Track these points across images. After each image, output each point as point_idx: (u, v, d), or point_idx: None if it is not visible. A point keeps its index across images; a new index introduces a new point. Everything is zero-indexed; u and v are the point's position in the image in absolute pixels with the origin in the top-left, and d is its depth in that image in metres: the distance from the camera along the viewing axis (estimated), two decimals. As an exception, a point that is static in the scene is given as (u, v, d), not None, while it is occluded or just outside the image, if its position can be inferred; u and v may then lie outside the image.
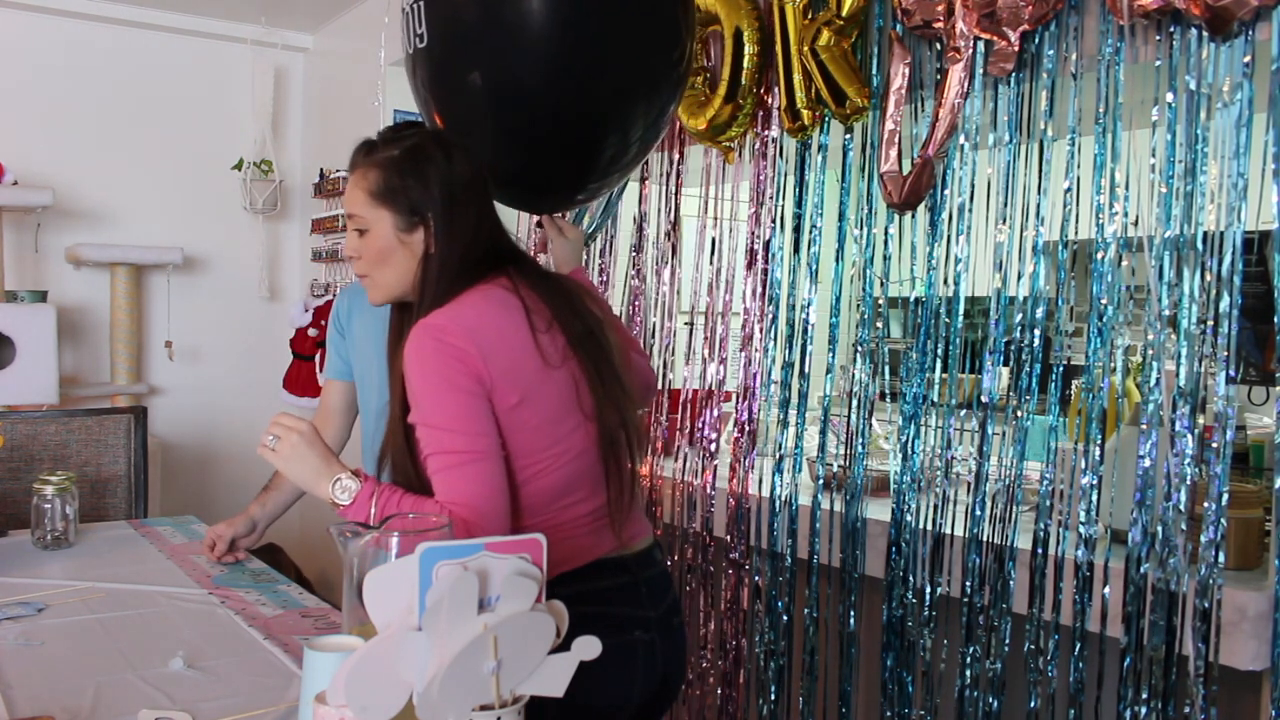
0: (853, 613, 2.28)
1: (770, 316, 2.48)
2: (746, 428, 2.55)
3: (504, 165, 1.84)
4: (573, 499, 1.48)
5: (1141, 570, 1.75)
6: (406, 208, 1.49)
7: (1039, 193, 1.95)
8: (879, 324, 2.29)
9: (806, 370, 2.43)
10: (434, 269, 1.49)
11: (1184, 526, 1.69)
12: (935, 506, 2.10)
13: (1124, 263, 1.82)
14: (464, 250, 1.49)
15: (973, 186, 2.05)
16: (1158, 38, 1.74)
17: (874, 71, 2.20)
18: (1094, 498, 1.85)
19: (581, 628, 1.47)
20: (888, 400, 2.29)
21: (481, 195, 1.53)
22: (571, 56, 1.78)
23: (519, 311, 1.46)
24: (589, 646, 0.96)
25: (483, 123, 1.86)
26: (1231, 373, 1.67)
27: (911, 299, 2.17)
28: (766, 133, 2.48)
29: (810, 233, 2.40)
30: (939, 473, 2.11)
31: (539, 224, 2.06)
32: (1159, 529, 1.73)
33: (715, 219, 2.70)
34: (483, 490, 1.37)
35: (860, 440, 2.27)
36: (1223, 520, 1.66)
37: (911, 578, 2.13)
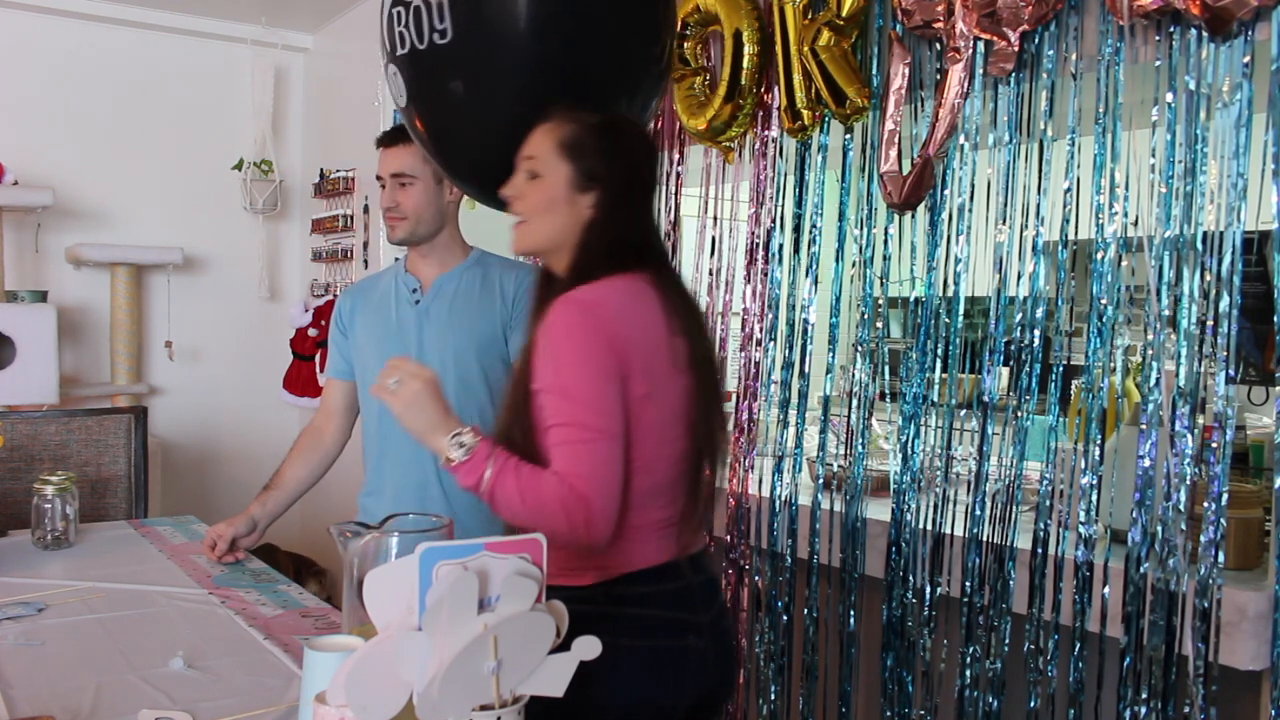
0: (853, 613, 2.28)
1: (770, 316, 2.48)
2: (746, 428, 2.55)
3: (486, 163, 1.83)
4: (656, 504, 1.47)
5: (1141, 570, 1.75)
6: (587, 169, 1.50)
7: (1039, 193, 1.95)
8: (879, 324, 2.29)
9: (806, 370, 2.43)
10: (595, 237, 1.49)
11: (1184, 526, 1.69)
12: (935, 506, 2.10)
13: (1124, 263, 1.82)
14: (625, 230, 1.51)
15: (973, 186, 2.05)
16: (1157, 38, 1.74)
17: (874, 71, 2.20)
18: (1094, 498, 1.85)
19: (637, 631, 1.43)
20: (888, 400, 2.29)
21: (649, 194, 1.56)
22: (553, 58, 1.78)
23: (660, 310, 1.47)
24: (589, 646, 0.96)
25: (463, 122, 1.85)
26: (1231, 373, 1.67)
27: (911, 299, 2.17)
28: (766, 133, 2.48)
29: (810, 233, 2.40)
30: (939, 473, 2.11)
31: None
32: (1159, 529, 1.73)
33: (715, 219, 2.71)
34: (608, 471, 1.36)
35: (860, 440, 2.27)
36: (1223, 520, 1.66)
37: (911, 578, 2.13)
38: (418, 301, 2.07)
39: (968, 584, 2.01)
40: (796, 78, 2.28)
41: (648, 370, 1.43)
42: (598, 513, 1.33)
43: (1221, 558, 1.65)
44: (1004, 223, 2.00)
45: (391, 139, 2.06)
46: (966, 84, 1.98)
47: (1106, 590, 1.80)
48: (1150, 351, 1.76)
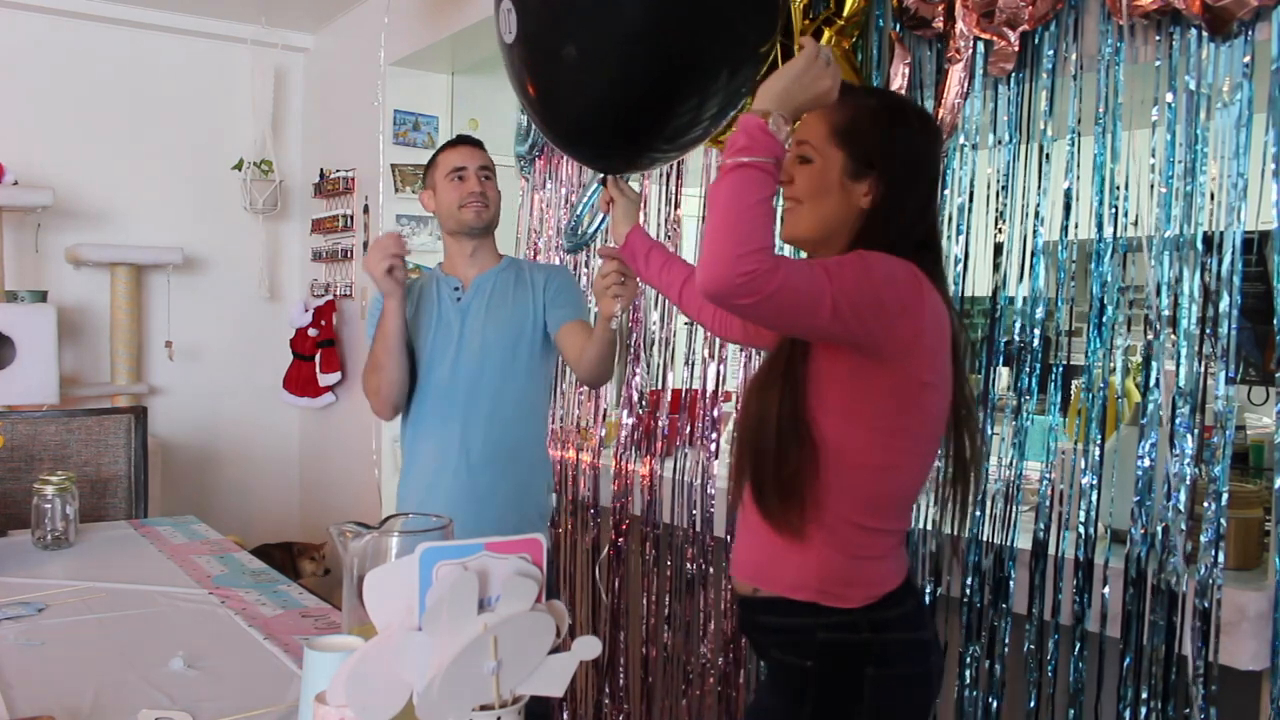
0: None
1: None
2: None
3: (583, 128, 1.90)
4: (905, 513, 1.47)
5: (1141, 570, 1.75)
6: (863, 156, 1.43)
7: (1039, 193, 1.95)
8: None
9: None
10: (873, 227, 1.42)
11: (1184, 526, 1.69)
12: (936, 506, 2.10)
13: (1124, 262, 1.82)
14: (907, 222, 1.44)
15: (972, 186, 2.05)
16: (1157, 38, 1.74)
17: (874, 71, 2.20)
18: (1094, 498, 1.85)
19: (902, 658, 1.43)
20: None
21: (932, 184, 1.49)
22: (662, 37, 1.77)
23: (949, 314, 1.43)
24: (589, 646, 0.96)
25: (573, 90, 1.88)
26: (1231, 373, 1.67)
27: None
28: (766, 133, 2.47)
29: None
30: (939, 473, 2.10)
31: (603, 181, 2.05)
32: (1159, 529, 1.73)
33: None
34: (801, 286, 1.27)
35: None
36: (1223, 520, 1.66)
37: (912, 578, 2.13)
38: (459, 299, 2.26)
39: (968, 584, 2.01)
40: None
41: (936, 361, 1.38)
42: (774, 279, 1.23)
43: (1221, 558, 1.65)
44: (1004, 223, 2.00)
45: (475, 139, 2.34)
46: (966, 84, 1.98)
47: (1106, 590, 1.80)
48: (1150, 351, 1.76)
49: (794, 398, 1.40)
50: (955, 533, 1.56)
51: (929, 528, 2.10)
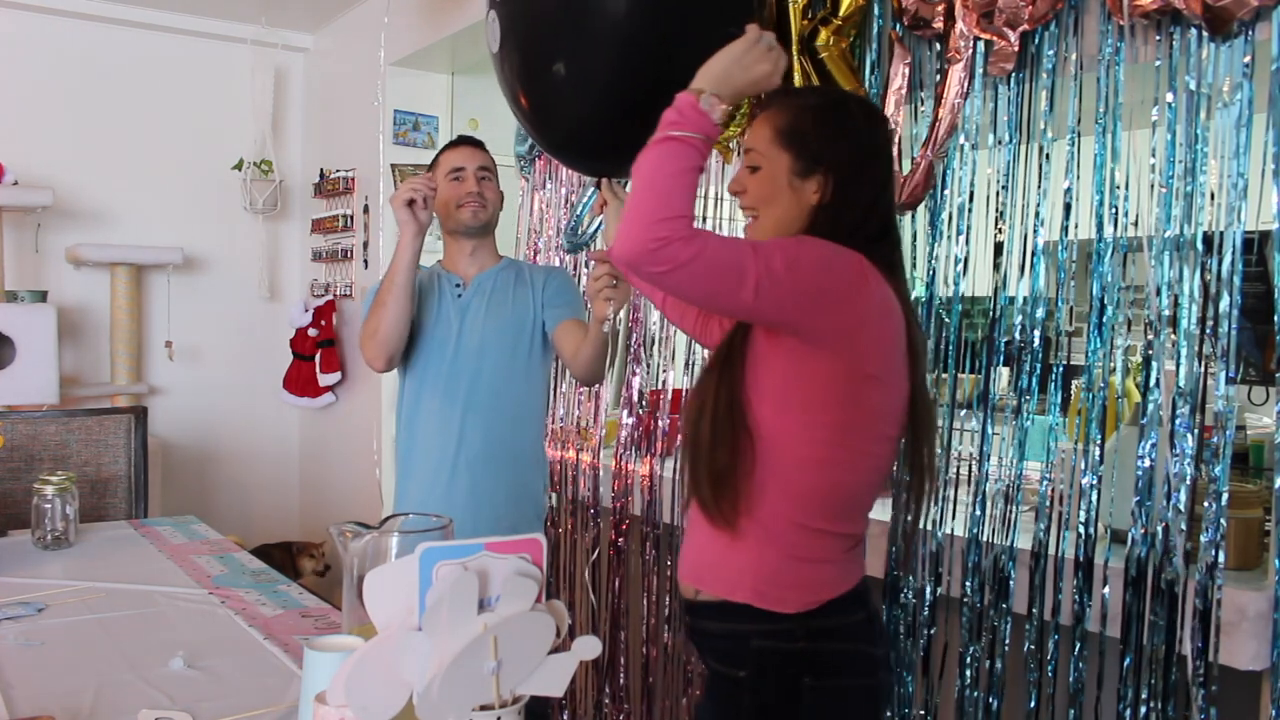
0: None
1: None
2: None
3: (574, 134, 1.94)
4: (852, 515, 1.43)
5: (1141, 570, 1.75)
6: (809, 155, 1.42)
7: (1039, 193, 1.95)
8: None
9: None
10: (824, 220, 1.41)
11: (1184, 526, 1.69)
12: (935, 506, 2.10)
13: (1124, 262, 1.82)
14: (858, 214, 1.42)
15: (973, 186, 2.05)
16: (1158, 38, 1.74)
17: (874, 71, 2.20)
18: (1094, 498, 1.85)
19: (839, 670, 1.37)
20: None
21: (885, 175, 1.48)
22: (646, 47, 1.81)
23: (901, 308, 1.41)
24: (589, 646, 0.96)
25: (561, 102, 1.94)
26: (1231, 373, 1.67)
27: (912, 299, 2.17)
28: (766, 133, 2.47)
29: (810, 233, 2.40)
30: (939, 472, 2.11)
31: (597, 185, 2.07)
32: (1159, 529, 1.73)
33: (714, 219, 2.70)
34: (728, 258, 1.26)
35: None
36: (1223, 520, 1.66)
37: (912, 578, 2.13)
38: (460, 296, 2.27)
39: (968, 584, 2.01)
40: (795, 78, 2.27)
41: (883, 354, 1.36)
42: (690, 247, 1.23)
43: (1221, 558, 1.65)
44: (1004, 223, 2.00)
45: (475, 140, 2.36)
46: (966, 84, 1.98)
47: (1106, 590, 1.80)
48: (1150, 351, 1.76)
49: (731, 382, 1.39)
50: (910, 532, 1.53)
51: (928, 527, 2.10)
